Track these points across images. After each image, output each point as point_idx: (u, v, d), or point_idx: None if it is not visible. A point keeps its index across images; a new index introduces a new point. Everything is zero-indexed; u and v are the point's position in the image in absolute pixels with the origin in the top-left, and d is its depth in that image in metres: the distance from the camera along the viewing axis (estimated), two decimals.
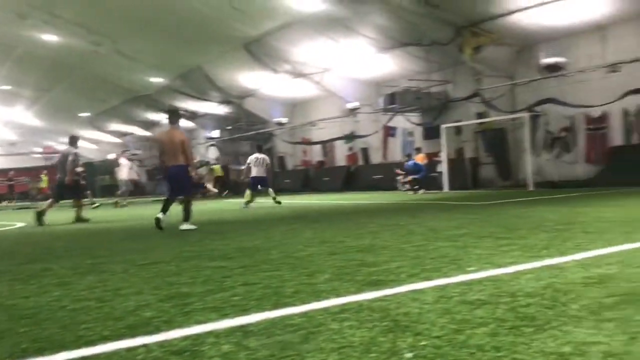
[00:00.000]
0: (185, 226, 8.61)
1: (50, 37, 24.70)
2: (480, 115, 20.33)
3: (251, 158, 15.86)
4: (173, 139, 8.84)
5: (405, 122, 23.31)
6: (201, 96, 30.41)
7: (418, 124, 23.25)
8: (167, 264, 5.15)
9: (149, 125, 39.67)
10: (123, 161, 20.62)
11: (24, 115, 41.12)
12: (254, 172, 15.69)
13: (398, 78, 23.15)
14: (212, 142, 36.43)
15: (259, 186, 15.81)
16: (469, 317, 2.74)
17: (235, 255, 5.48)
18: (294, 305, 3.19)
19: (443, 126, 20.24)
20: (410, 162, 19.48)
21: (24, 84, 33.59)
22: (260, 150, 16.53)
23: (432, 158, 20.99)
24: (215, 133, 35.36)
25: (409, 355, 2.22)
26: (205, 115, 34.01)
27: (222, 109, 32.35)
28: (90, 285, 4.23)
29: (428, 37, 19.22)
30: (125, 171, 20.35)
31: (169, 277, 4.38)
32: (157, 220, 8.66)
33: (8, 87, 35.16)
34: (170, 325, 2.90)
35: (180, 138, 8.87)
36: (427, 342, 2.37)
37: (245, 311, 3.11)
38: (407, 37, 19.70)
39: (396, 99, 21.32)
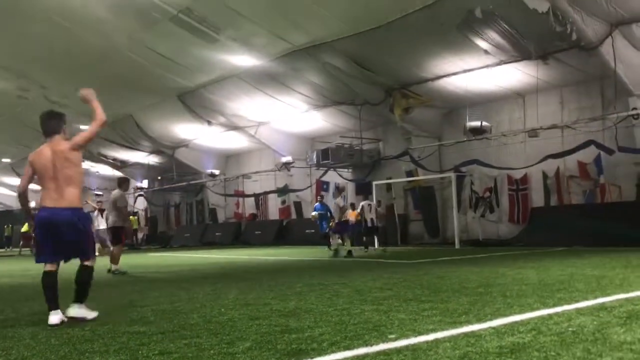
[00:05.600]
0: (76, 311, 5.26)
1: None
2: (409, 173, 20.91)
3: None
4: (57, 157, 5.28)
5: (338, 177, 23.66)
6: (131, 145, 29.82)
7: (350, 180, 23.63)
8: (81, 328, 4.89)
9: None
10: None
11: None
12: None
13: (331, 134, 23.62)
14: (140, 192, 35.58)
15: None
16: None
17: (154, 319, 5.27)
18: None
19: (374, 183, 20.65)
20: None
21: None
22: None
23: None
24: (145, 183, 34.63)
25: None
26: (134, 164, 33.30)
27: (152, 159, 31.81)
28: None
29: (360, 97, 19.81)
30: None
31: (80, 344, 4.16)
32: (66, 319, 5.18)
33: None
34: None
35: (69, 155, 5.35)
36: None
37: None
38: (340, 96, 20.24)
39: (329, 155, 21.68)
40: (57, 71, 21.54)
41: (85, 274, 5.44)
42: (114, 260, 11.73)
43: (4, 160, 37.17)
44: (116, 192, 12.17)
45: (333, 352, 3.63)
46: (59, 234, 5.20)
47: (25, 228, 27.69)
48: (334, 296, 6.46)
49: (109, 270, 11.50)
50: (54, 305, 5.15)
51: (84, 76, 21.39)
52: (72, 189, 5.31)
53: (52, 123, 5.57)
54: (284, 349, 3.74)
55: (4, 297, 8.01)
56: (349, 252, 14.85)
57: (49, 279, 5.24)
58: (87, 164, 35.35)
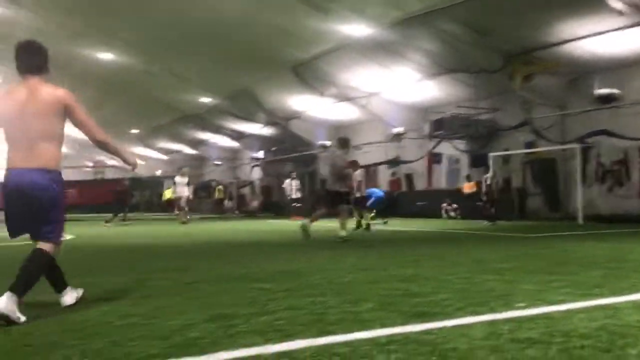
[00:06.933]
0: (4, 302, 3.54)
1: (105, 56, 25.61)
2: (529, 144, 19.94)
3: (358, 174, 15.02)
4: (34, 102, 3.94)
5: (452, 149, 23.08)
6: (248, 117, 30.87)
7: (464, 152, 22.97)
8: (210, 284, 5.19)
9: (195, 143, 40.46)
10: (178, 179, 21.13)
11: (78, 130, 42.60)
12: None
13: (445, 104, 22.99)
14: (256, 163, 36.87)
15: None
16: (520, 356, 2.65)
17: (278, 277, 5.47)
18: (339, 333, 3.15)
19: (491, 155, 19.91)
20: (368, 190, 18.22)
21: (79, 99, 34.72)
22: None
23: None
24: (260, 154, 35.80)
25: None
26: (250, 136, 34.50)
27: (267, 130, 32.77)
28: (136, 301, 4.30)
29: (476, 64, 19.04)
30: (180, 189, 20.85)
31: (212, 297, 4.41)
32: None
33: None
34: (216, 347, 2.90)
35: (50, 99, 4.01)
36: None
37: (289, 337, 3.09)
38: (455, 64, 19.57)
39: (443, 126, 21.17)
40: (178, 46, 22.67)
41: (35, 257, 3.91)
42: (342, 225, 10.57)
43: (132, 131, 39.96)
44: (336, 153, 11.10)
45: (459, 316, 3.57)
46: (27, 202, 3.90)
47: (168, 195, 29.60)
48: (453, 265, 6.35)
49: (342, 238, 10.27)
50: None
51: (204, 50, 22.46)
52: (48, 145, 3.99)
53: (33, 57, 4.07)
54: (409, 311, 3.74)
55: (140, 256, 8.69)
56: (367, 225, 14.46)
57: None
58: (207, 135, 37.19)
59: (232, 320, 3.55)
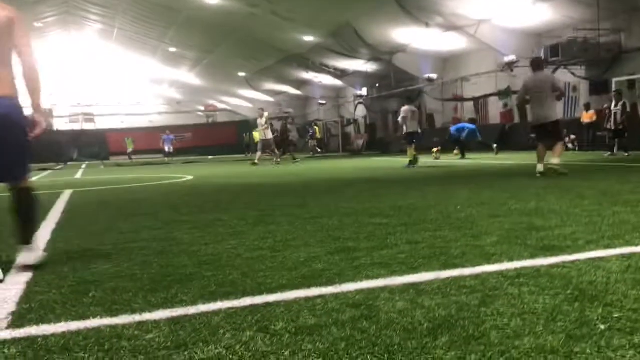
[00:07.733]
0: (27, 256, 3.52)
1: (211, 1, 26.12)
2: None
3: (405, 110, 15.25)
4: None
5: (569, 76, 21.58)
6: (351, 54, 30.48)
7: (584, 78, 21.39)
8: (328, 219, 5.29)
9: (300, 84, 40.80)
10: (259, 121, 21.46)
11: (187, 75, 44.35)
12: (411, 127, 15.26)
13: (561, 28, 21.37)
14: (360, 100, 36.63)
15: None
16: None
17: (393, 213, 5.47)
18: (464, 266, 3.11)
19: (614, 80, 18.38)
20: (454, 127, 18.16)
21: (187, 46, 36.13)
22: (411, 102, 16.13)
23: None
24: (364, 91, 35.44)
25: (603, 327, 2.06)
26: (354, 73, 34.16)
27: (370, 66, 32.26)
28: (260, 236, 4.48)
29: None
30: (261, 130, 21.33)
31: (332, 232, 4.50)
32: None
33: (174, 50, 38.05)
34: (342, 278, 2.97)
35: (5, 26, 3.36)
36: (621, 315, 2.18)
37: (414, 269, 3.10)
38: None
39: (559, 51, 19.75)
40: None
41: (28, 199, 3.62)
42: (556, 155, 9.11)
43: (240, 74, 40.95)
44: (538, 77, 9.41)
45: (591, 250, 3.40)
46: None
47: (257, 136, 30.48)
48: (577, 198, 6.02)
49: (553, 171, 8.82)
50: None
51: None
52: (6, 71, 3.43)
53: None
54: (536, 245, 3.61)
55: (257, 194, 9.04)
56: (410, 162, 14.57)
57: None
58: (310, 75, 37.31)
59: (354, 253, 3.61)
